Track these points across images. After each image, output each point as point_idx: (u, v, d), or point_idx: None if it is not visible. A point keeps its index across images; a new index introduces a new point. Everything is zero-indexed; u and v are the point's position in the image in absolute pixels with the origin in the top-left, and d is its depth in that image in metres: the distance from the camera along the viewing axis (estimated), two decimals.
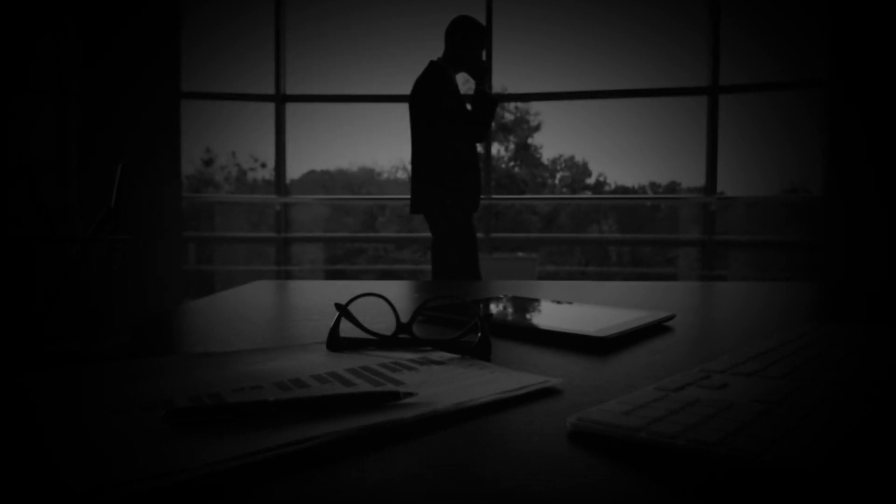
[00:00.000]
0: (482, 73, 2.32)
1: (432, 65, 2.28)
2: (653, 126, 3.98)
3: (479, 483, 0.24)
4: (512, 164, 4.36)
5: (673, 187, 4.02)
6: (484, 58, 2.37)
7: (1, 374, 0.39)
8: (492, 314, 0.53)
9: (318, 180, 4.20)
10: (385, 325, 0.57)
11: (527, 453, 0.27)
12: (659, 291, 0.95)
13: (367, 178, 4.31)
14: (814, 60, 3.55)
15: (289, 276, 3.98)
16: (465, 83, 2.42)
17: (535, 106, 4.21)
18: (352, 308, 0.50)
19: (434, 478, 0.24)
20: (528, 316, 0.62)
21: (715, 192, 3.71)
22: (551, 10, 4.01)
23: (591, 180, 4.28)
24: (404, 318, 0.61)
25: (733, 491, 0.23)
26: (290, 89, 3.92)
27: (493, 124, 2.39)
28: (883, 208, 3.18)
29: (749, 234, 3.84)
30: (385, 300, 0.50)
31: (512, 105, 4.19)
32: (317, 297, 0.84)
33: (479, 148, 2.58)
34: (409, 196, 2.33)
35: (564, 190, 4.37)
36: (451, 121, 2.22)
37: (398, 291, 0.94)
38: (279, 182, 3.93)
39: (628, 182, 4.11)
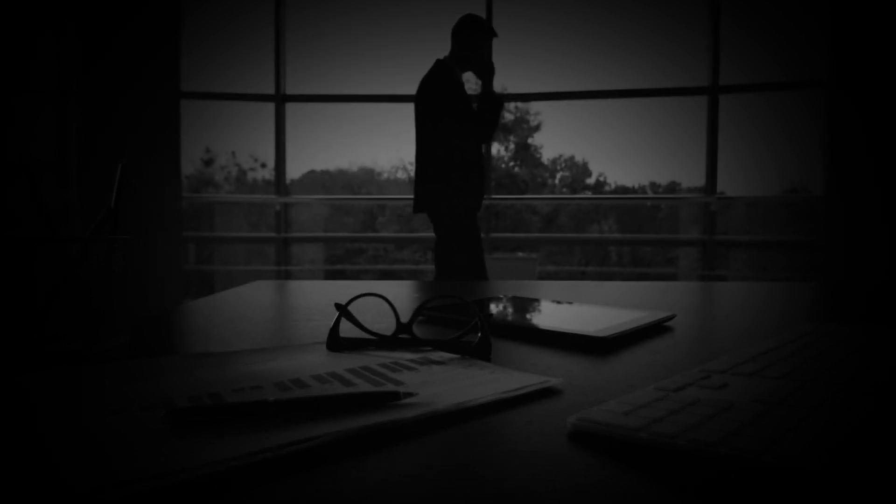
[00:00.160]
0: (489, 74, 2.31)
1: (439, 63, 2.27)
2: (653, 126, 3.98)
3: (479, 483, 0.24)
4: (512, 164, 4.36)
5: (673, 187, 4.02)
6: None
7: (1, 374, 0.39)
8: (492, 314, 0.53)
9: (318, 180, 4.20)
10: (385, 326, 0.57)
11: (527, 453, 0.27)
12: (659, 291, 0.95)
13: (367, 178, 4.31)
14: (814, 60, 3.55)
15: (289, 276, 3.98)
16: (467, 82, 2.41)
17: (535, 106, 4.21)
18: (352, 308, 0.50)
19: (434, 478, 0.24)
20: (528, 316, 0.62)
21: (715, 192, 3.71)
22: (551, 10, 4.02)
23: (591, 180, 4.29)
24: (404, 318, 0.61)
25: (734, 491, 0.23)
26: (290, 89, 3.92)
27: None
28: (883, 208, 3.18)
29: (749, 234, 3.84)
30: (385, 300, 0.50)
31: (512, 105, 4.19)
32: (317, 297, 0.84)
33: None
34: (409, 196, 2.33)
35: (564, 190, 4.37)
36: (458, 120, 2.22)
37: (398, 291, 0.94)
38: (279, 182, 3.93)
39: (628, 182, 4.12)
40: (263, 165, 4.02)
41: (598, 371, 0.42)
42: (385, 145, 4.32)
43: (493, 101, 2.29)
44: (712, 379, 0.34)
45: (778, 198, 3.81)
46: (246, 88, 3.94)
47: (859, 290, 0.98)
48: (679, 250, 4.07)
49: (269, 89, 3.89)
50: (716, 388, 0.33)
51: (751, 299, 0.85)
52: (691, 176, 3.86)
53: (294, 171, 4.02)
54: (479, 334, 0.45)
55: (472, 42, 2.26)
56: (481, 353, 0.45)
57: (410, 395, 0.33)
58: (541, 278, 3.91)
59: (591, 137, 4.19)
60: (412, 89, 2.31)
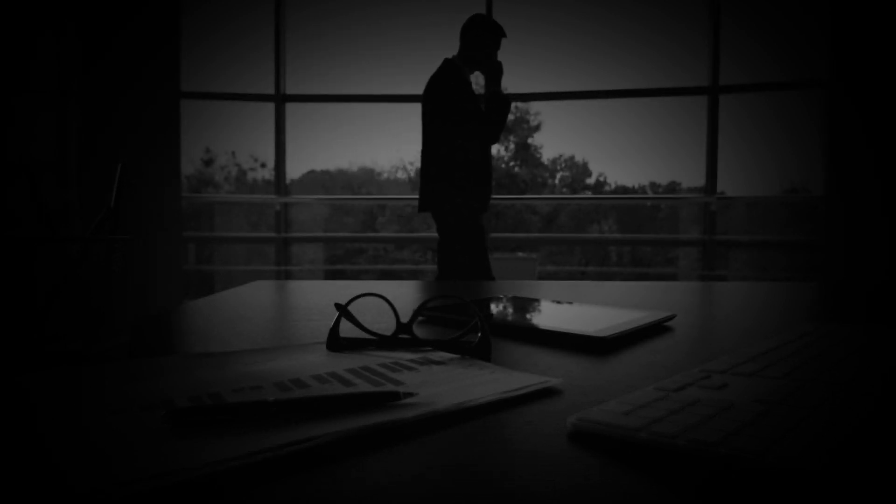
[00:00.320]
0: (496, 74, 2.31)
1: (447, 63, 2.26)
2: (653, 126, 3.98)
3: (479, 483, 0.24)
4: (512, 164, 4.36)
5: (673, 187, 4.02)
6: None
7: (1, 374, 0.39)
8: (492, 314, 0.53)
9: (318, 180, 4.20)
10: (385, 326, 0.57)
11: (527, 453, 0.27)
12: (659, 291, 0.95)
13: (367, 178, 4.30)
14: (814, 60, 3.55)
15: (289, 276, 3.98)
16: (473, 82, 2.41)
17: (535, 106, 4.21)
18: (352, 308, 0.50)
19: (434, 478, 0.24)
20: (528, 316, 0.62)
21: (715, 192, 3.71)
22: (551, 10, 4.01)
23: (591, 180, 4.29)
24: (404, 319, 0.61)
25: (734, 491, 0.23)
26: (290, 89, 3.92)
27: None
28: (883, 208, 3.18)
29: (749, 234, 3.84)
30: (385, 300, 0.50)
31: (512, 105, 4.18)
32: (317, 297, 0.84)
33: None
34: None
35: (564, 190, 4.37)
36: (465, 120, 2.21)
37: (398, 291, 0.94)
38: (279, 182, 3.93)
39: (628, 182, 4.11)
40: (263, 165, 4.02)
41: (598, 371, 0.42)
42: (385, 145, 4.32)
43: (500, 102, 2.28)
44: (712, 379, 0.34)
45: (778, 198, 3.81)
46: (246, 88, 3.94)
47: (859, 290, 0.98)
48: (679, 250, 4.06)
49: (269, 89, 3.89)
50: (716, 388, 0.33)
51: (751, 299, 0.85)
52: (691, 176, 3.86)
53: (294, 171, 4.02)
54: (479, 334, 0.45)
55: (479, 42, 2.26)
56: (481, 353, 0.45)
57: (410, 395, 0.33)
58: (541, 278, 3.91)
59: (591, 137, 4.19)
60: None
